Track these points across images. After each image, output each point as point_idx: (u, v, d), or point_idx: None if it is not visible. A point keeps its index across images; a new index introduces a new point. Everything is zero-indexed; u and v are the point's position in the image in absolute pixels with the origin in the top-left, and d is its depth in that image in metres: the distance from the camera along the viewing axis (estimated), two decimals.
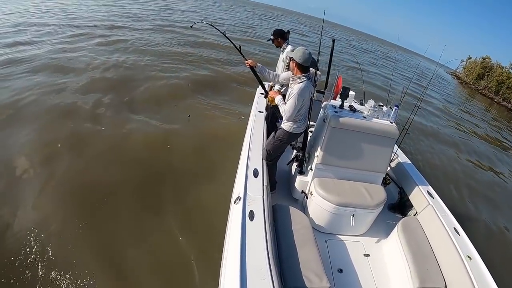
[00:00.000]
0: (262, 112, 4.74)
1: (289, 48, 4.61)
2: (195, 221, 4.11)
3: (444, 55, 4.49)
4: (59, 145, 5.13)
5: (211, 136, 6.22)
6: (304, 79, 3.22)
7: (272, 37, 4.75)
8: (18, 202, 3.94)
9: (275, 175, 3.92)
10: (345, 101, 3.55)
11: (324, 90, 4.43)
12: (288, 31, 4.96)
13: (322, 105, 3.72)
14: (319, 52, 4.09)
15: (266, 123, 4.50)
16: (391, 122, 3.41)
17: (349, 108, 3.52)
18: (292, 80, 3.32)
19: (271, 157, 3.66)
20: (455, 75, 53.58)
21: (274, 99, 3.55)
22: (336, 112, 3.37)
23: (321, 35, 4.22)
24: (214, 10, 41.53)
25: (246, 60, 4.11)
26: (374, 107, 3.41)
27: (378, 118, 3.42)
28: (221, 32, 4.61)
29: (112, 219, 3.89)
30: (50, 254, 3.32)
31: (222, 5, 57.74)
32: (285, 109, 3.32)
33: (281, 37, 4.71)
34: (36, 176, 4.43)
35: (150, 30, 16.70)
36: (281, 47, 4.76)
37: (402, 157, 4.42)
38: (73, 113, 6.31)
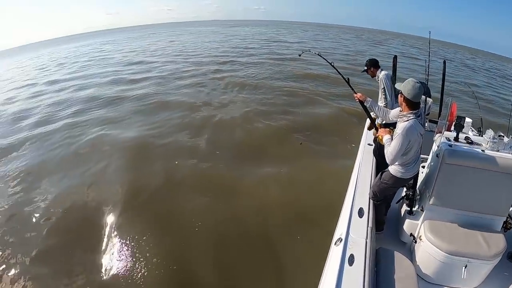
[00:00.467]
0: (372, 145, 4.58)
1: (382, 74, 4.40)
2: (295, 258, 4.21)
3: None
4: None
5: (319, 171, 6.37)
6: (412, 117, 2.88)
7: (366, 68, 4.60)
8: None
9: (386, 214, 3.75)
10: (460, 132, 3.32)
11: (438, 119, 4.21)
12: (395, 57, 4.79)
13: (435, 138, 3.49)
14: (427, 77, 3.86)
15: (375, 157, 4.33)
16: None
17: (465, 141, 3.26)
18: (400, 118, 3.01)
19: (378, 198, 3.43)
20: None
21: (383, 138, 3.24)
22: (450, 146, 3.11)
23: (428, 57, 4.00)
24: (321, 39, 42.41)
25: (355, 93, 3.96)
26: (494, 138, 3.11)
27: (498, 151, 3.09)
28: (328, 62, 4.51)
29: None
30: None
31: (328, 33, 58.33)
32: (388, 151, 3.00)
33: (374, 66, 4.52)
34: None
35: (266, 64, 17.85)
36: (376, 77, 4.55)
37: None
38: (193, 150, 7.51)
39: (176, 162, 6.90)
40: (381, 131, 3.47)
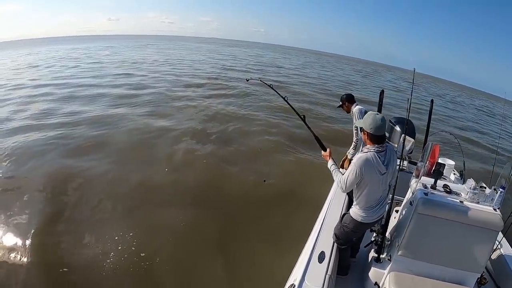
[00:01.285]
0: None
1: (356, 108, 4.32)
2: None
3: None
4: None
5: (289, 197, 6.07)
6: (372, 150, 2.64)
7: (341, 103, 4.52)
8: None
9: (354, 256, 3.52)
10: (439, 179, 3.03)
11: (418, 161, 4.02)
12: (382, 91, 4.70)
13: (411, 182, 3.19)
14: (408, 114, 3.62)
15: (348, 194, 4.00)
16: (495, 209, 2.75)
17: (443, 189, 2.96)
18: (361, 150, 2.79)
19: (340, 242, 3.14)
20: None
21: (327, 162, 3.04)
22: (426, 194, 2.80)
23: (411, 95, 3.77)
24: (320, 67, 43.30)
25: (324, 150, 3.29)
26: (474, 188, 2.82)
27: (478, 202, 2.79)
28: (281, 96, 3.90)
29: None
30: None
31: (324, 61, 59.36)
32: (339, 179, 2.80)
33: (348, 101, 4.45)
34: None
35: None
36: (350, 112, 4.45)
37: (506, 248, 3.55)
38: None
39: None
40: (323, 154, 3.23)
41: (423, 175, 3.16)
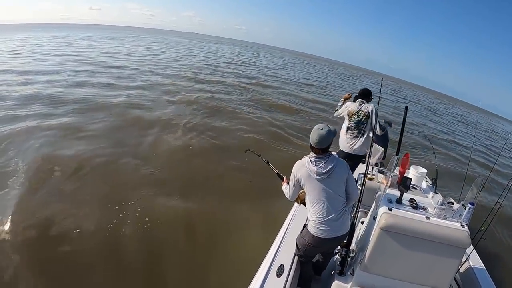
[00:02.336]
0: None
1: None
2: None
3: None
4: None
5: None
6: (308, 156, 2.73)
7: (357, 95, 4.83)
8: None
9: (318, 273, 3.35)
10: (406, 192, 2.84)
11: (386, 169, 3.86)
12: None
13: (376, 195, 3.01)
14: (375, 122, 3.55)
15: None
16: (463, 226, 2.58)
17: (409, 203, 2.77)
18: None
19: (300, 254, 2.98)
20: None
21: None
22: (390, 209, 2.62)
23: (378, 104, 3.70)
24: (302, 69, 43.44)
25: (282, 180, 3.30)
26: (442, 204, 2.64)
27: (446, 218, 2.62)
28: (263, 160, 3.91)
29: None
30: None
31: (306, 63, 59.78)
32: (284, 188, 3.09)
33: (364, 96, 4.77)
34: None
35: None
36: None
37: (474, 260, 3.47)
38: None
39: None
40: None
41: (391, 186, 2.99)
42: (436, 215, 2.66)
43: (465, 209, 2.65)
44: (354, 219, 3.29)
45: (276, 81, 23.30)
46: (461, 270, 3.41)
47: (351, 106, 4.74)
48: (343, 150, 4.74)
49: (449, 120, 27.37)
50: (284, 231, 3.30)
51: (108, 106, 10.65)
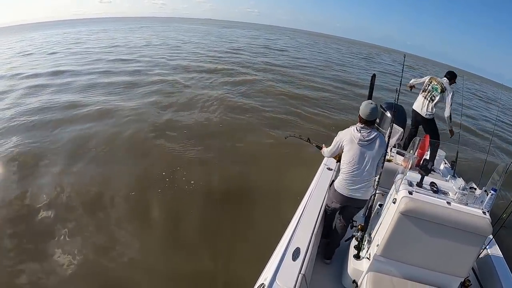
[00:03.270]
0: (331, 169, 4.08)
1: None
2: None
3: None
4: None
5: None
6: (356, 125, 3.07)
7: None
8: None
9: (330, 258, 3.45)
10: (426, 175, 2.76)
11: (408, 151, 3.76)
12: (374, 76, 4.70)
13: (396, 178, 2.94)
14: (396, 99, 3.46)
15: None
16: (484, 213, 2.50)
17: (429, 187, 2.69)
18: None
19: (326, 204, 3.48)
20: None
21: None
22: (410, 193, 2.55)
23: (400, 82, 3.62)
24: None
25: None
26: (464, 189, 2.56)
27: (467, 204, 2.54)
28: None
29: None
30: None
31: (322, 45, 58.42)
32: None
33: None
34: None
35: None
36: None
37: (492, 248, 3.37)
38: None
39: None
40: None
41: (411, 168, 2.92)
42: (457, 201, 2.59)
43: (487, 195, 2.58)
44: (371, 202, 3.25)
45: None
46: (479, 258, 3.32)
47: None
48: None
49: (468, 98, 26.35)
50: (300, 213, 3.26)
51: None
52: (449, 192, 2.70)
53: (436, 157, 3.65)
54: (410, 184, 2.69)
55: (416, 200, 2.52)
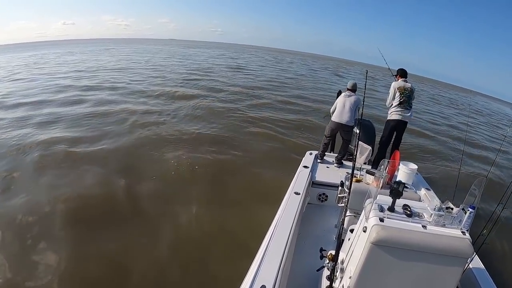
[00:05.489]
0: (298, 194, 3.87)
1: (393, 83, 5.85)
2: None
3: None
4: None
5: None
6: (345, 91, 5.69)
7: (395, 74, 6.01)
8: None
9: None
10: (398, 198, 2.46)
11: (375, 169, 3.58)
12: (339, 91, 6.03)
13: (365, 203, 2.65)
14: (361, 117, 3.33)
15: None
16: (464, 233, 2.29)
17: (402, 211, 2.44)
18: None
19: (325, 134, 5.81)
20: None
21: None
22: (381, 220, 2.29)
23: (364, 96, 3.65)
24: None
25: None
26: (440, 209, 2.33)
27: (444, 225, 2.32)
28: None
29: None
30: None
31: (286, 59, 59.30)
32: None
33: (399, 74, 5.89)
34: None
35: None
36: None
37: (475, 265, 3.19)
38: None
39: None
40: None
41: (382, 187, 2.71)
42: (434, 223, 2.35)
43: (465, 213, 2.36)
44: (341, 229, 3.05)
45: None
46: (462, 276, 3.12)
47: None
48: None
49: (432, 103, 27.10)
50: (266, 244, 3.01)
51: None
52: (424, 214, 2.46)
53: (408, 171, 3.48)
54: (381, 209, 2.43)
55: (389, 227, 2.26)
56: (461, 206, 2.43)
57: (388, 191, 2.55)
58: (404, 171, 3.72)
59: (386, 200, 2.51)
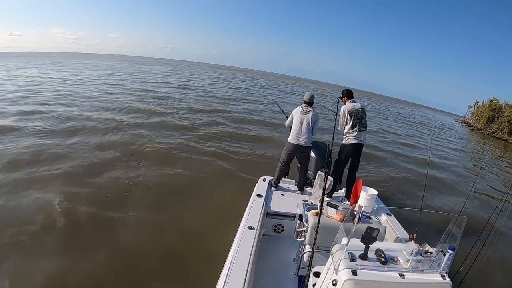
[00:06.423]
0: (252, 229, 3.54)
1: (343, 107, 5.50)
2: None
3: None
4: None
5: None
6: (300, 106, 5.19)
7: (341, 96, 5.64)
8: None
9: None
10: (371, 244, 2.13)
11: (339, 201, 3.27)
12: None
13: (333, 249, 2.28)
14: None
15: None
16: (443, 276, 2.08)
17: (376, 257, 2.14)
18: None
19: (280, 161, 5.32)
20: (465, 122, 53.88)
21: None
22: (354, 273, 1.98)
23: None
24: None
25: None
26: (418, 254, 2.08)
27: (423, 271, 2.07)
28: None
29: None
30: None
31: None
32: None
33: (346, 96, 5.59)
34: None
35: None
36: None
37: None
38: None
39: None
40: None
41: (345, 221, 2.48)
42: (412, 269, 2.08)
43: (445, 255, 2.12)
44: (300, 264, 2.90)
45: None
46: None
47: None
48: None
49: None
50: (225, 274, 2.71)
51: None
52: (399, 259, 2.17)
53: (368, 197, 3.22)
54: (352, 258, 2.09)
55: (363, 281, 1.95)
56: (439, 247, 2.18)
57: (352, 224, 2.32)
58: (364, 198, 3.47)
59: (356, 246, 2.16)
